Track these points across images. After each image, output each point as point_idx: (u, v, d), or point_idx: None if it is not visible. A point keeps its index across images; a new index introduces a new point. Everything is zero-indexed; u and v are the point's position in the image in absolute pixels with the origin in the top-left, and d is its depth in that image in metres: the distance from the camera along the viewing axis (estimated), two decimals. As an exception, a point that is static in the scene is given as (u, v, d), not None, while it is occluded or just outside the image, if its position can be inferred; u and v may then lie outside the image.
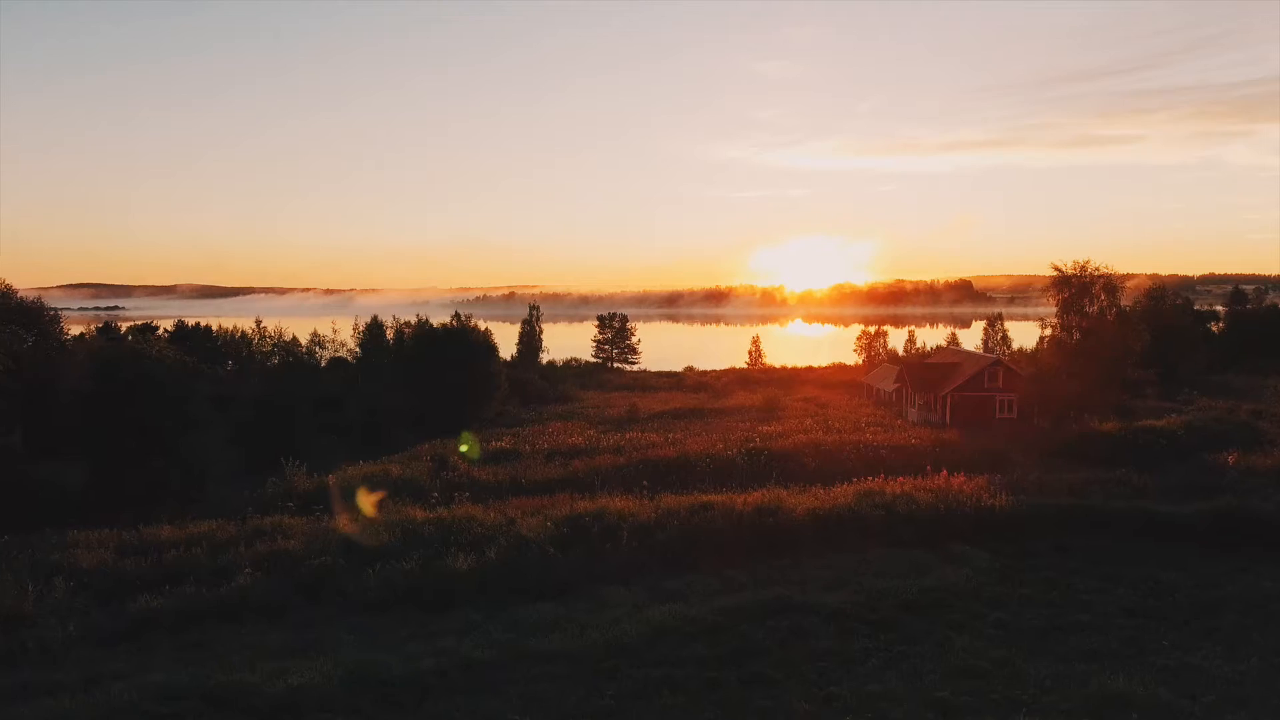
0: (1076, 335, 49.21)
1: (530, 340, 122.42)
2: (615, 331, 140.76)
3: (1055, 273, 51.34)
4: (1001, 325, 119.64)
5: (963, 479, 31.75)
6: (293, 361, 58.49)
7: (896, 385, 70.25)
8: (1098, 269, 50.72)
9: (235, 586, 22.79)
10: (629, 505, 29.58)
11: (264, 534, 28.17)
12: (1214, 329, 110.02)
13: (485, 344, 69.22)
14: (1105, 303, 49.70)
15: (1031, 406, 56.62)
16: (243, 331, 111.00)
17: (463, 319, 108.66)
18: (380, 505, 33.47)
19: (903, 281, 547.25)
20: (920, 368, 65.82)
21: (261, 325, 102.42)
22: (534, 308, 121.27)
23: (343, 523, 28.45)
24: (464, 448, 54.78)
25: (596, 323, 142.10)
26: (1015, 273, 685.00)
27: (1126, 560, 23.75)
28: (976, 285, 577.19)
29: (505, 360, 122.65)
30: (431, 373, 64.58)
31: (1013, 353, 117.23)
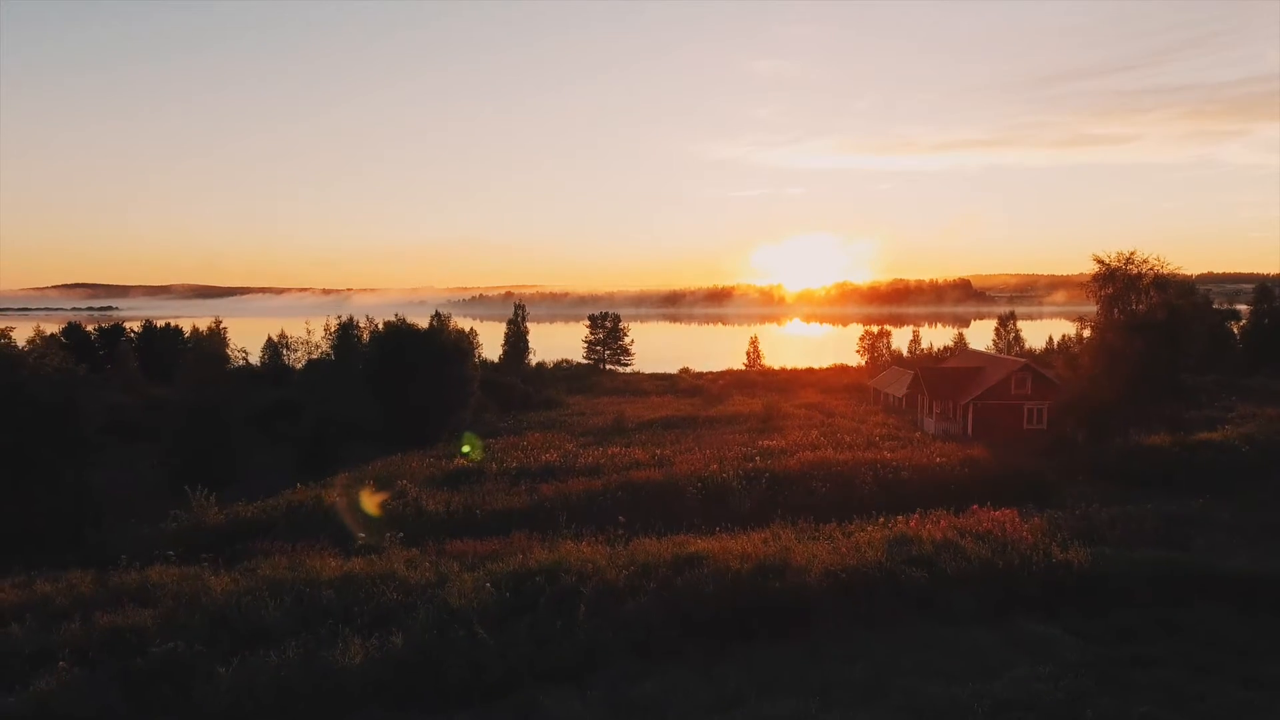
0: (1122, 336, 42.84)
1: (516, 341, 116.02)
2: (607, 332, 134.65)
3: (1098, 265, 45.00)
4: (1014, 325, 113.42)
5: (1014, 517, 25.36)
6: (232, 369, 51.65)
7: (909, 391, 64.02)
8: (1145, 261, 44.41)
9: (34, 692, 16.36)
10: (596, 554, 23.21)
11: (119, 597, 21.76)
12: (1233, 328, 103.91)
13: (457, 346, 62.77)
14: (1156, 300, 43.37)
15: (1064, 417, 50.30)
16: (214, 332, 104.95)
17: (441, 318, 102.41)
18: (289, 553, 27.16)
19: (901, 281, 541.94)
20: (937, 373, 59.50)
21: (222, 325, 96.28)
22: (519, 306, 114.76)
23: (220, 583, 22.03)
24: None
25: (588, 323, 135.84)
26: (1013, 272, 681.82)
27: (1266, 649, 17.39)
28: (975, 284, 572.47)
29: (493, 363, 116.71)
30: (396, 378, 58.17)
31: (1026, 353, 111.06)
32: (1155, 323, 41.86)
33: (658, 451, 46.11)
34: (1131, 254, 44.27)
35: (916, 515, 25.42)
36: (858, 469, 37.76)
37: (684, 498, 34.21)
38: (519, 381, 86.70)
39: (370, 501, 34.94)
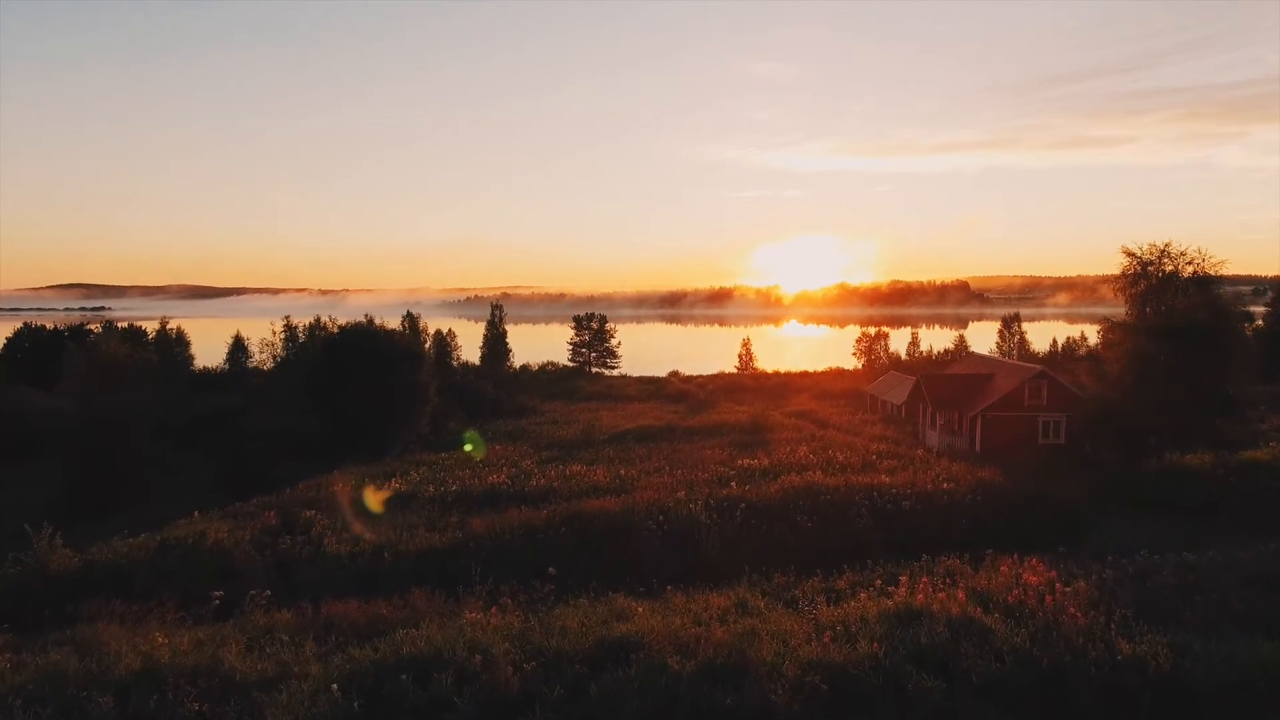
0: (1157, 340, 37.04)
1: (495, 344, 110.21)
2: (593, 333, 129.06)
3: (1127, 259, 39.20)
4: (1019, 327, 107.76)
5: (1053, 579, 19.53)
6: (135, 374, 45.53)
7: (909, 399, 58.29)
8: (1182, 254, 38.61)
9: None
10: (498, 634, 17.35)
11: None
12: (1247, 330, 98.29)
13: (409, 350, 56.80)
14: (1197, 300, 37.55)
15: (1087, 431, 44.48)
16: (178, 332, 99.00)
17: (415, 319, 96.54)
18: (124, 618, 21.27)
19: (899, 282, 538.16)
20: (940, 380, 53.71)
21: (168, 326, 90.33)
22: (496, 307, 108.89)
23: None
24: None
25: (572, 323, 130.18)
26: (1010, 273, 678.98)
27: None
28: (973, 286, 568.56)
29: (474, 365, 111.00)
30: (340, 386, 52.29)
31: (1030, 355, 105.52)
32: (1197, 325, 36.08)
33: (622, 471, 40.37)
34: (1166, 246, 38.60)
35: (924, 578, 19.45)
36: (851, 498, 31.95)
37: (640, 535, 28.37)
38: (490, 387, 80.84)
39: (268, 536, 29.09)
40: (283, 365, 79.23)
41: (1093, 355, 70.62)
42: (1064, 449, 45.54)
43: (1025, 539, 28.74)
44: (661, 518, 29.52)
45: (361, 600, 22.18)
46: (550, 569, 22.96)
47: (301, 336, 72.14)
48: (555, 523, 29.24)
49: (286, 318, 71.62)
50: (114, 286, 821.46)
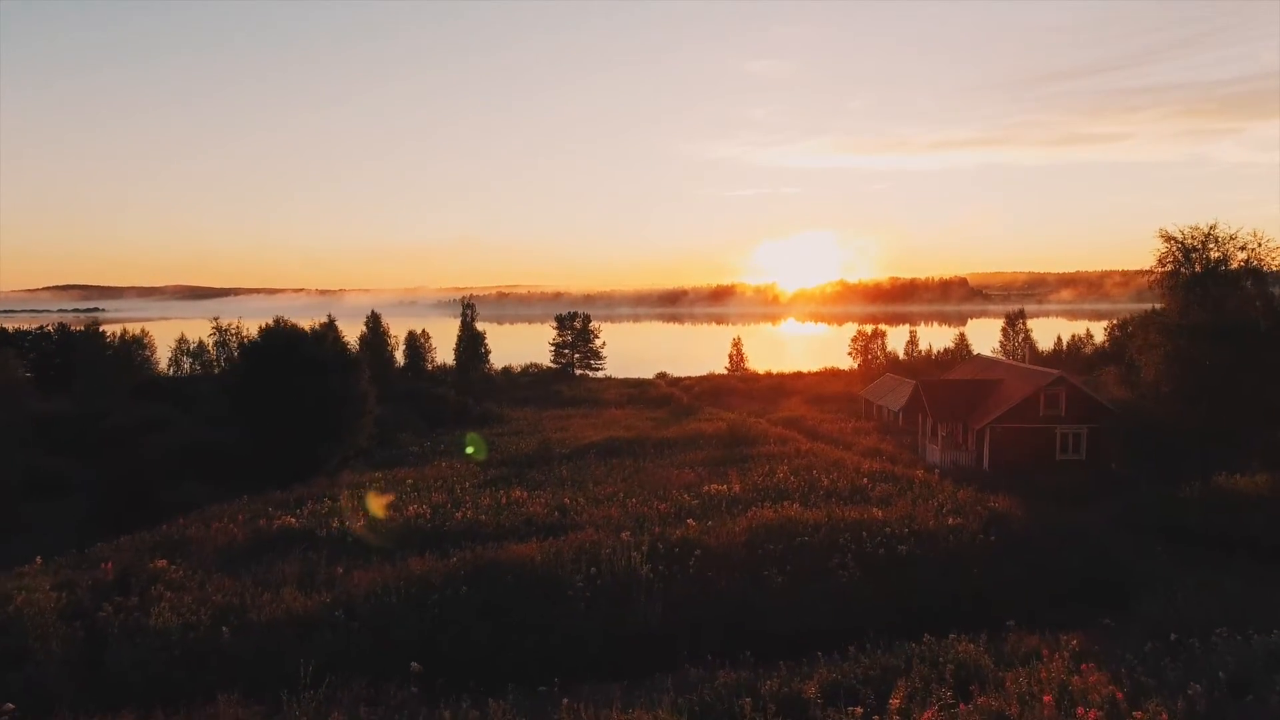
0: (1206, 342, 30.91)
1: (469, 345, 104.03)
2: (575, 333, 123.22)
3: (1166, 244, 33.02)
4: (1023, 325, 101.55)
5: (1120, 702, 13.34)
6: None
7: (908, 405, 52.23)
8: (1232, 238, 32.42)
9: None
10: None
11: None
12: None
13: (342, 356, 50.49)
14: (1253, 292, 31.42)
15: (1113, 446, 38.31)
16: (136, 335, 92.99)
17: (378, 318, 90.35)
18: None
19: (896, 279, 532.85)
20: (942, 386, 47.50)
21: (99, 327, 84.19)
22: (469, 306, 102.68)
23: None
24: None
25: (554, 323, 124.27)
26: (1008, 270, 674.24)
27: None
28: (972, 282, 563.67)
29: (451, 368, 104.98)
30: (259, 396, 46.13)
31: (1037, 355, 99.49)
32: (1255, 324, 29.92)
33: (567, 500, 34.18)
34: (1212, 229, 32.43)
35: (930, 712, 13.08)
36: (834, 539, 25.72)
37: (562, 597, 22.18)
38: (452, 393, 74.67)
39: (89, 598, 22.94)
40: (229, 372, 73.48)
41: (1104, 353, 64.34)
42: (1087, 467, 39.41)
43: (1053, 593, 23.02)
44: (593, 570, 23.35)
45: (145, 714, 16.02)
46: (415, 664, 16.76)
47: (242, 339, 66.08)
48: (457, 578, 23.04)
49: (215, 319, 65.33)
50: (110, 288, 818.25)
